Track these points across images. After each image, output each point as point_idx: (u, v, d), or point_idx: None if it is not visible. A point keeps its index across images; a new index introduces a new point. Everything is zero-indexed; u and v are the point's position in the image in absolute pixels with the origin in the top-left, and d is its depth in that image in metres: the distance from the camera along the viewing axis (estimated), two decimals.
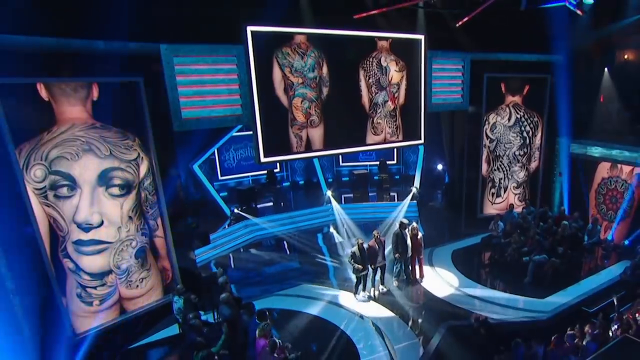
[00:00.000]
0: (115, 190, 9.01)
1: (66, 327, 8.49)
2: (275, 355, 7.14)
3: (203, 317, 9.56)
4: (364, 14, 10.22)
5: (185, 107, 9.78)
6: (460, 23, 11.24)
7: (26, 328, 7.59)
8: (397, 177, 20.82)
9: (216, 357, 6.82)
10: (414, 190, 17.73)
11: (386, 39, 12.46)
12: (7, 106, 7.36)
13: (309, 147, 12.13)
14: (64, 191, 8.24)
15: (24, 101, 7.66)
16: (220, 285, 9.65)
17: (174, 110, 9.63)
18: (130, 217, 9.34)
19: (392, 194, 18.60)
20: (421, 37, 12.92)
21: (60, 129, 8.12)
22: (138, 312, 9.73)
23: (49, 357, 7.97)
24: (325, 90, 11.98)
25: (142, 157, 9.47)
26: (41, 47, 7.57)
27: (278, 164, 19.65)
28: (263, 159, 11.29)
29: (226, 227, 15.41)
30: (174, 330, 9.62)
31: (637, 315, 9.43)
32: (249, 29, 10.32)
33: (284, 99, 11.42)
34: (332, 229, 16.36)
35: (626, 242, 13.57)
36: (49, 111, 7.97)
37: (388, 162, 20.17)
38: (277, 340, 7.27)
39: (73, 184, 8.34)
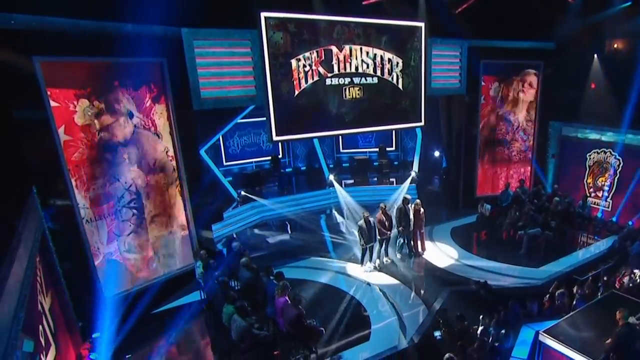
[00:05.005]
0: None
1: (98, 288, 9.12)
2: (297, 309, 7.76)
3: None
4: (373, 0, 10.85)
5: (204, 87, 10.42)
6: (459, 10, 11.87)
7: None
8: (395, 162, 21.23)
9: (249, 308, 7.40)
10: (412, 174, 18.41)
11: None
12: None
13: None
14: None
15: None
16: (235, 252, 10.27)
17: (194, 90, 10.25)
18: None
19: (391, 179, 19.20)
20: (422, 24, 13.56)
21: None
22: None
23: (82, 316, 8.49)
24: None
25: None
26: (79, 29, 8.12)
27: (280, 150, 20.30)
28: (275, 138, 11.96)
29: (231, 209, 15.90)
30: (195, 296, 10.29)
31: (624, 279, 10.28)
32: (263, 14, 10.97)
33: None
34: (334, 210, 17.02)
35: (614, 219, 14.41)
36: None
37: (387, 149, 20.73)
38: (298, 295, 7.90)
39: None
